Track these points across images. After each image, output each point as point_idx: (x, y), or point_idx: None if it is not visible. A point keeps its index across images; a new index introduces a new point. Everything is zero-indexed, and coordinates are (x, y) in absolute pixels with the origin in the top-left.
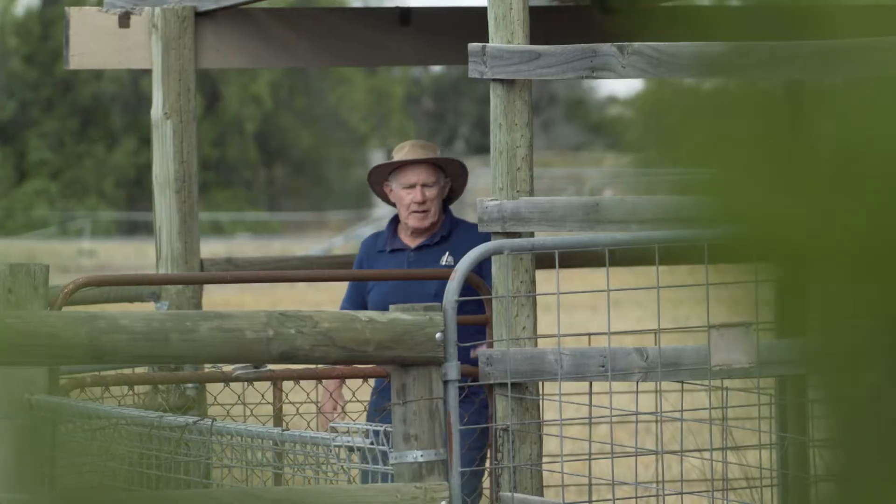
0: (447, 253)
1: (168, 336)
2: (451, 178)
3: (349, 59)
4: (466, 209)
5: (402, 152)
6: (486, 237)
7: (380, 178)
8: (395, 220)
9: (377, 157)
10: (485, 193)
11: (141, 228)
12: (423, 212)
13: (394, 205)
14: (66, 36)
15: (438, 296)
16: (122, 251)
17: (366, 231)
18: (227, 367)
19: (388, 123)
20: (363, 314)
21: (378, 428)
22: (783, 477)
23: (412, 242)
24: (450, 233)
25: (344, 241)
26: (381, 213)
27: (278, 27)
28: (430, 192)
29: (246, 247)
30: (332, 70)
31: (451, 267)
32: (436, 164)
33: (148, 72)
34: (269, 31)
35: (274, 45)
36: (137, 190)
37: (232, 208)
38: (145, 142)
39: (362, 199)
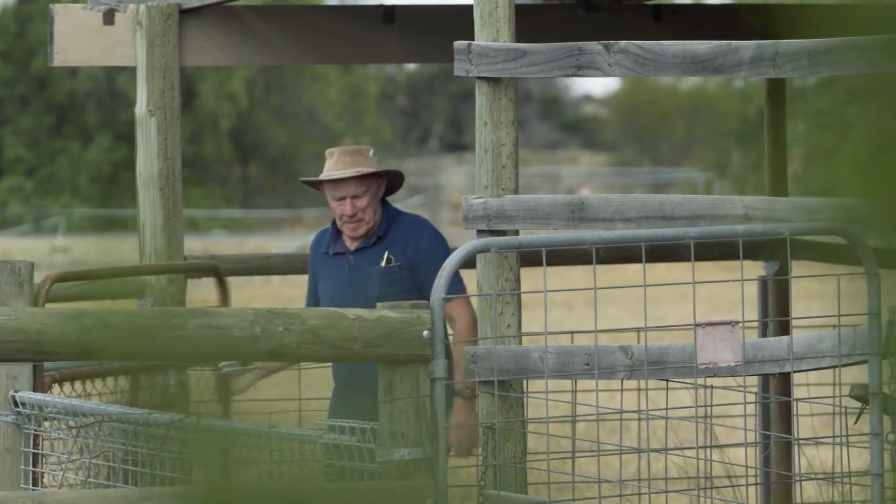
0: (386, 252)
1: (156, 333)
2: (387, 175)
3: (333, 56)
4: (443, 207)
5: (330, 160)
6: (426, 226)
7: (314, 182)
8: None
9: None
10: (460, 191)
11: (116, 225)
12: (357, 222)
13: None
14: (51, 33)
15: (381, 298)
16: (96, 248)
17: None
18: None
19: (362, 121)
20: (351, 312)
21: (365, 425)
22: (766, 475)
23: (351, 245)
24: (386, 231)
25: None
26: None
27: (262, 25)
28: (361, 202)
29: (221, 244)
30: (307, 67)
31: (391, 267)
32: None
33: (124, 69)
34: (253, 28)
35: (258, 42)
36: (112, 187)
37: (207, 206)
38: (120, 139)
39: None
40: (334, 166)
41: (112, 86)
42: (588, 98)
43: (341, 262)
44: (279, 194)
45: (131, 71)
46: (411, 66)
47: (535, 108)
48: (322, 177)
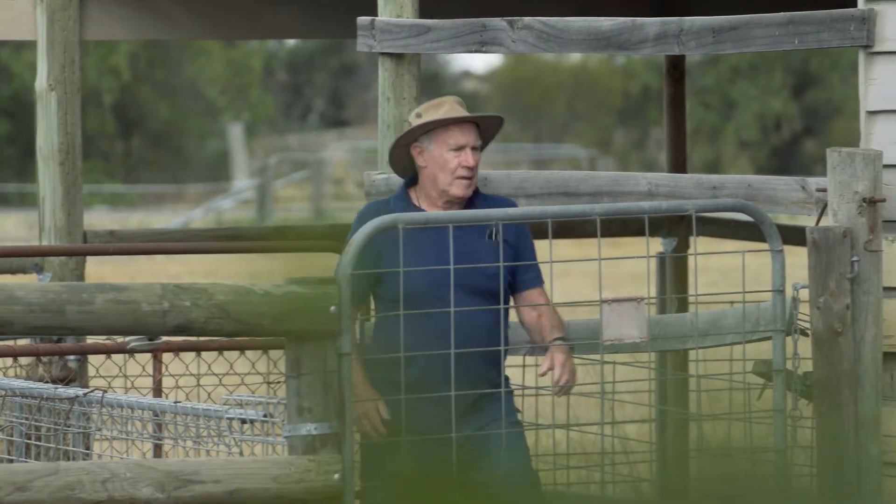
0: (490, 226)
1: (64, 308)
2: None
3: (235, 31)
4: (326, 182)
5: (441, 109)
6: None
7: (406, 140)
8: (407, 190)
9: (235, 130)
10: (342, 166)
11: None
12: (470, 178)
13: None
14: None
15: (495, 276)
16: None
17: (224, 204)
18: (120, 339)
19: (245, 96)
20: (259, 287)
21: (272, 400)
22: (662, 450)
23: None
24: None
25: (203, 214)
26: (240, 185)
27: None
28: (477, 156)
29: (104, 219)
30: (190, 41)
31: (495, 242)
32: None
33: (5, 43)
34: (152, 2)
35: (158, 16)
36: None
37: (90, 181)
38: (1, 114)
39: (220, 171)
40: (449, 112)
41: None
42: (468, 74)
43: (446, 232)
44: (162, 169)
45: (13, 45)
46: (291, 42)
47: None
48: (456, 116)
